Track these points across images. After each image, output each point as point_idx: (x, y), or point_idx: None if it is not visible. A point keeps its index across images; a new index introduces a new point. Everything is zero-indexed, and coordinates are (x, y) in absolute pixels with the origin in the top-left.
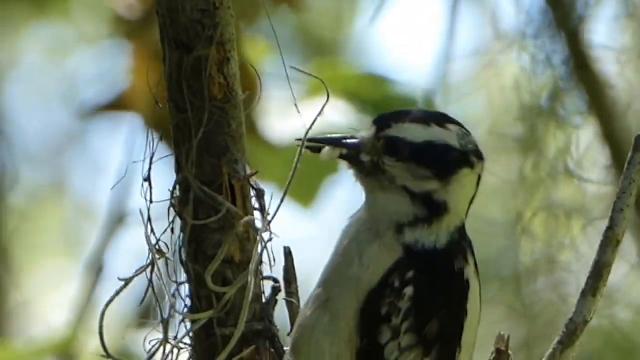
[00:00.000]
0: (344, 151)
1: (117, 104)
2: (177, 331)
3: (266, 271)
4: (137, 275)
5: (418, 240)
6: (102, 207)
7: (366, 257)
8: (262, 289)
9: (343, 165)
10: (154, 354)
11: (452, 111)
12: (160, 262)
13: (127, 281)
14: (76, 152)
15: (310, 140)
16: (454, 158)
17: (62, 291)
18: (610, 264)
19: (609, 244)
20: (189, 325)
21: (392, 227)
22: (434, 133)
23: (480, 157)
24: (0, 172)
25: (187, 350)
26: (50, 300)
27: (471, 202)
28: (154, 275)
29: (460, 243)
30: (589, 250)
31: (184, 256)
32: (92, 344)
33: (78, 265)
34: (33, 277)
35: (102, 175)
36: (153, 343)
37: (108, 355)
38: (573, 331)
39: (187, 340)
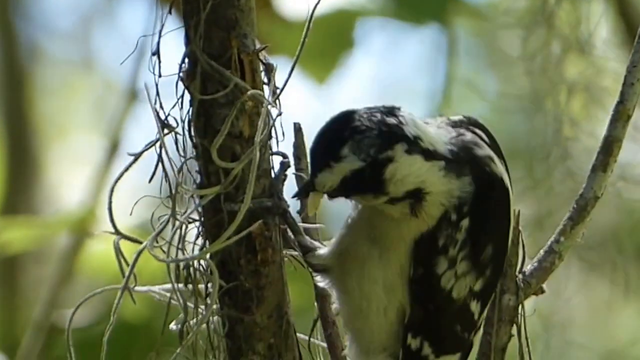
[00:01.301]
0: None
1: None
2: (186, 207)
3: (275, 147)
4: (145, 150)
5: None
6: (126, 85)
7: None
8: (271, 165)
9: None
10: (161, 230)
11: None
12: (170, 138)
13: (136, 156)
14: (104, 27)
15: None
16: (369, 174)
17: (87, 167)
18: (620, 138)
19: (619, 118)
20: (197, 201)
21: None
22: (340, 170)
23: (392, 140)
24: (27, 48)
25: (196, 226)
26: (75, 177)
27: (425, 151)
28: (163, 150)
29: (470, 151)
30: (600, 127)
31: (192, 131)
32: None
33: (101, 141)
34: (61, 153)
35: (127, 53)
36: (162, 219)
37: (117, 231)
38: (583, 207)
39: (195, 216)
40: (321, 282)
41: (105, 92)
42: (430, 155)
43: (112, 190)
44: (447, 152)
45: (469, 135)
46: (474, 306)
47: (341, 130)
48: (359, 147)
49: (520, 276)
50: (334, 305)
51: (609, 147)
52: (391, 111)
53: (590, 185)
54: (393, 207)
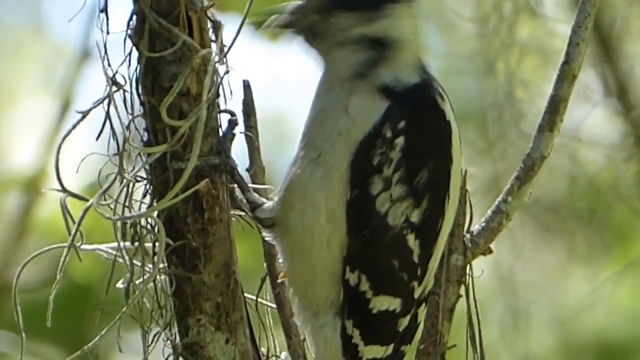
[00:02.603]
0: (292, 17)
1: None
2: (134, 165)
3: (224, 105)
4: (94, 107)
5: (391, 76)
6: (76, 46)
7: (352, 109)
8: (218, 123)
9: (291, 34)
10: (108, 187)
11: None
12: (119, 96)
13: (84, 114)
14: None
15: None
16: None
17: (37, 128)
18: (566, 98)
19: (565, 78)
20: (145, 159)
21: (357, 77)
22: None
23: None
24: None
25: (143, 185)
26: (25, 138)
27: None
28: (111, 108)
29: (432, 81)
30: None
31: (140, 89)
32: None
33: (52, 103)
34: (11, 116)
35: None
36: (110, 177)
37: (63, 189)
38: (530, 167)
39: (143, 174)
40: (268, 237)
41: (55, 55)
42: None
43: (59, 148)
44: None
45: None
46: (412, 242)
47: None
48: None
49: (468, 236)
50: (280, 266)
51: (556, 106)
52: None
53: (537, 145)
54: (356, 54)
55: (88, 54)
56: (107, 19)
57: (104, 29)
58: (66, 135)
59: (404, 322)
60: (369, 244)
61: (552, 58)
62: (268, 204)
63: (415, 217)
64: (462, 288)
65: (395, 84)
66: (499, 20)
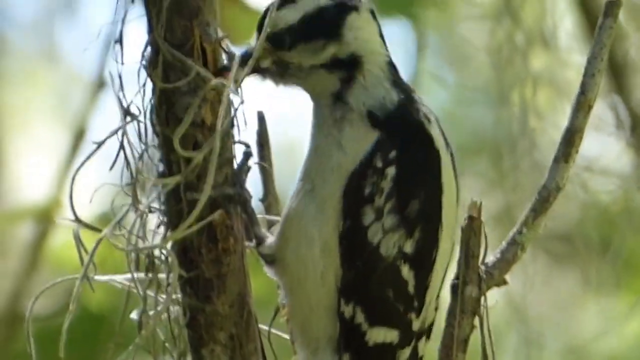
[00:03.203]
0: (246, 69)
1: None
2: (148, 196)
3: (238, 136)
4: (108, 138)
5: (372, 99)
6: (91, 75)
7: (344, 141)
8: (233, 154)
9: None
10: (121, 218)
11: None
12: (133, 126)
13: (99, 144)
14: (67, 19)
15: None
16: (332, 14)
17: (49, 159)
18: (581, 129)
19: (580, 109)
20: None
21: (337, 101)
22: (303, 5)
23: None
24: None
25: (158, 215)
26: (38, 168)
27: (381, 36)
28: (125, 138)
29: (412, 96)
30: (566, 120)
31: (154, 120)
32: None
33: (66, 133)
34: (23, 144)
35: (89, 43)
36: (124, 208)
37: (77, 219)
38: (546, 198)
39: (157, 204)
40: (270, 273)
41: (68, 83)
42: (383, 42)
43: (73, 178)
44: (395, 73)
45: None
46: (406, 273)
47: None
48: None
49: (483, 267)
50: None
51: (571, 137)
52: None
53: (552, 176)
54: (329, 77)
55: (103, 83)
56: (122, 49)
57: (119, 59)
58: (80, 166)
59: (403, 355)
60: (363, 275)
61: (565, 89)
62: (270, 239)
63: (408, 248)
64: (477, 319)
65: (380, 109)
66: (512, 51)
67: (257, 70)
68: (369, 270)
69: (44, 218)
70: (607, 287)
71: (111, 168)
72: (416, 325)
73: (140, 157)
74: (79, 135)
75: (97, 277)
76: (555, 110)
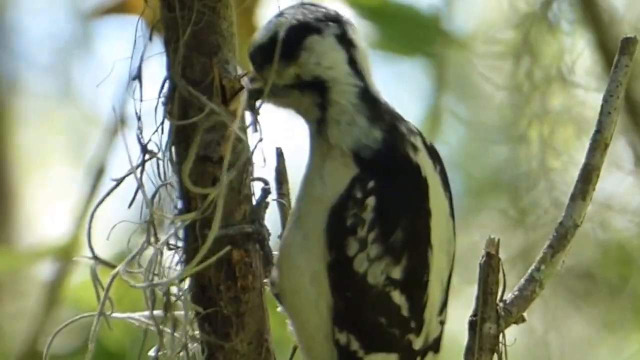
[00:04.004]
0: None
1: (120, 7)
2: (168, 233)
3: (257, 173)
4: (127, 176)
5: (353, 137)
6: (106, 113)
7: (325, 175)
8: (251, 190)
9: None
10: (135, 255)
11: (453, 20)
12: (153, 163)
13: (118, 182)
14: (82, 60)
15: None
16: (290, 35)
17: (66, 198)
18: (598, 167)
19: (597, 147)
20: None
21: (316, 129)
22: (270, 26)
23: (330, 20)
24: (4, 80)
25: (177, 252)
26: (54, 208)
27: (354, 65)
28: (142, 176)
29: (397, 127)
30: (582, 156)
31: (172, 156)
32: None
33: (82, 173)
34: (39, 185)
35: (103, 81)
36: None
37: (94, 257)
38: (563, 235)
39: (175, 241)
40: (280, 310)
41: (84, 122)
42: (356, 72)
43: (92, 216)
44: (372, 106)
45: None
46: (398, 298)
47: (305, 3)
48: (301, 13)
49: (501, 304)
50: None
51: (588, 175)
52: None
53: (569, 214)
54: (303, 99)
55: (122, 121)
56: (141, 86)
57: (137, 96)
58: (99, 203)
59: None
60: (354, 304)
61: (583, 126)
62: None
63: (396, 274)
64: (495, 356)
65: (365, 149)
66: (531, 89)
67: (252, 94)
68: (358, 299)
69: (63, 257)
70: (625, 326)
71: (130, 205)
72: (418, 343)
73: (155, 194)
74: (97, 174)
75: (114, 315)
76: (573, 148)
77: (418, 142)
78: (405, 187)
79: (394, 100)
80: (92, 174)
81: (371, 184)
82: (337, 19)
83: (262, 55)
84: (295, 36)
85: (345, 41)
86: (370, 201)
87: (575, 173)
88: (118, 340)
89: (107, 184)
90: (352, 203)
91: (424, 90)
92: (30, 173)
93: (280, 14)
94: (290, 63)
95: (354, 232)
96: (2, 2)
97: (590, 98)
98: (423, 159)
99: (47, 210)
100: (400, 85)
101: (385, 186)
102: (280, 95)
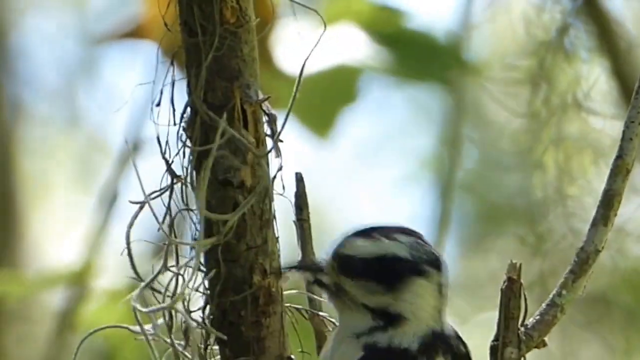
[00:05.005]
0: (310, 277)
1: (132, 32)
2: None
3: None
4: (155, 197)
5: (377, 341)
6: (116, 139)
7: (335, 357)
8: (273, 214)
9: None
10: (151, 280)
11: (469, 47)
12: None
13: (143, 203)
14: (90, 84)
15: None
16: (402, 268)
17: (76, 226)
18: (620, 192)
19: (619, 172)
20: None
21: (352, 336)
22: (383, 247)
23: (437, 266)
24: (12, 105)
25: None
26: (63, 236)
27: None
28: (166, 199)
29: (436, 344)
30: (600, 184)
31: (194, 181)
32: (104, 276)
33: (92, 199)
34: (46, 211)
35: (116, 107)
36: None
37: (138, 276)
38: (585, 260)
39: (195, 266)
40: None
41: (90, 150)
42: (438, 317)
43: (128, 235)
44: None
45: None
46: None
47: (406, 229)
48: (414, 247)
49: (522, 329)
50: None
51: (609, 200)
52: None
53: (591, 239)
54: (369, 321)
55: (136, 146)
56: (174, 110)
57: (159, 121)
58: (131, 223)
59: None
60: None
61: (599, 153)
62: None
63: None
64: None
65: (383, 344)
66: (547, 116)
67: (318, 282)
68: None
69: (76, 282)
70: (635, 353)
71: (159, 229)
72: None
73: (172, 220)
74: (111, 200)
75: (138, 329)
76: (589, 175)
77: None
78: None
79: (410, 125)
80: (104, 200)
81: None
82: (440, 265)
83: (358, 266)
84: (403, 272)
85: (441, 289)
86: None
87: (591, 200)
88: None
89: (120, 210)
90: None
91: (440, 116)
92: (37, 199)
93: (394, 238)
94: (387, 293)
95: None
96: (7, 26)
97: (606, 125)
98: None
99: (55, 236)
100: (416, 111)
101: None
102: (348, 306)
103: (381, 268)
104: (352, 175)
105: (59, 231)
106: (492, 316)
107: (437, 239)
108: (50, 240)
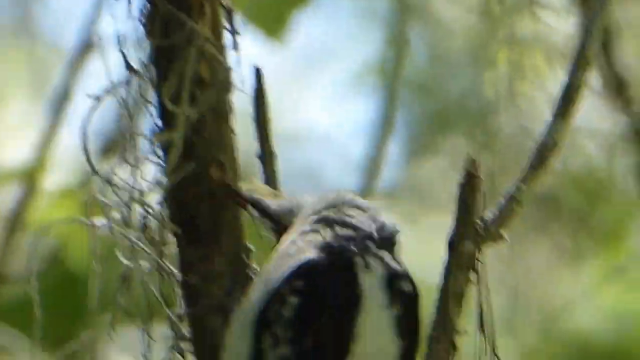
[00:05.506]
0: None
1: None
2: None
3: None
4: (112, 90)
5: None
6: (70, 40)
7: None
8: (231, 110)
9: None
10: (108, 174)
11: None
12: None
13: (99, 98)
14: None
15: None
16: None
17: (29, 128)
18: (580, 85)
19: (579, 66)
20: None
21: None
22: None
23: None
24: None
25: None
26: (16, 139)
27: None
28: (125, 94)
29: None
30: (553, 82)
31: (152, 76)
32: (56, 174)
33: (44, 103)
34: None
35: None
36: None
37: (94, 170)
38: (543, 154)
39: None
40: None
41: (43, 55)
42: None
43: (84, 129)
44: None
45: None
46: None
47: None
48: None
49: (480, 223)
50: None
51: (569, 94)
52: None
53: (550, 133)
54: None
55: (90, 46)
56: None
57: (118, 16)
58: (87, 119)
59: None
60: None
61: (552, 52)
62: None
63: None
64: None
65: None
66: (500, 13)
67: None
68: None
69: (28, 181)
70: (585, 255)
71: (115, 124)
72: None
73: (130, 115)
74: (63, 98)
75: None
76: (541, 73)
77: (378, 268)
78: (334, 298)
79: (359, 27)
80: (57, 100)
81: (300, 283)
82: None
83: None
84: None
85: None
86: (293, 300)
87: (544, 98)
88: (82, 262)
89: (73, 109)
90: (279, 297)
91: (389, 16)
92: None
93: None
94: None
95: (270, 326)
96: None
97: (560, 22)
98: (372, 284)
99: (8, 139)
100: (365, 13)
101: (313, 290)
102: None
103: None
104: (301, 79)
105: (12, 135)
106: (443, 217)
107: (381, 141)
108: (3, 143)
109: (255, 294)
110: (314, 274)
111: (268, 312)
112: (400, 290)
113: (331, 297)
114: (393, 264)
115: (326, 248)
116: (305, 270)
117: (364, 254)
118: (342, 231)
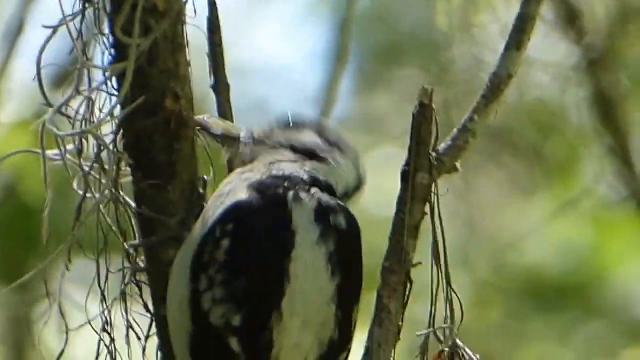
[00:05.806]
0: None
1: None
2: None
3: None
4: (67, 22)
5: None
6: None
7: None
8: (185, 39)
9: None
10: (64, 104)
11: None
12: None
13: (55, 27)
14: None
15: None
16: None
17: None
18: (534, 17)
19: None
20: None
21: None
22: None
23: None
24: None
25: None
26: None
27: None
28: (83, 24)
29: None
30: (506, 13)
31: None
32: (9, 106)
33: None
34: None
35: None
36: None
37: (48, 102)
38: (497, 85)
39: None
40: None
41: None
42: None
43: (39, 60)
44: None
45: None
46: (235, 345)
47: None
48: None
49: (434, 154)
50: None
51: (523, 24)
52: None
53: (504, 64)
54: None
55: None
56: None
57: None
58: (42, 49)
59: None
60: (198, 338)
61: None
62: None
63: (237, 322)
64: (427, 206)
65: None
66: None
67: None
68: (202, 336)
69: None
70: (537, 189)
71: (70, 53)
72: None
73: (84, 42)
74: (17, 29)
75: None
76: (495, 6)
77: (311, 202)
78: (264, 238)
79: None
80: (10, 31)
81: (230, 226)
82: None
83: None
84: None
85: None
86: (225, 243)
87: (497, 29)
88: (37, 194)
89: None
90: (212, 239)
91: None
92: None
93: None
94: None
95: (205, 269)
96: None
97: None
98: (305, 218)
99: None
100: None
101: (242, 231)
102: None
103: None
104: (255, 10)
105: None
106: (396, 149)
107: (335, 74)
108: None
109: (195, 234)
110: (244, 216)
111: (203, 254)
112: (335, 224)
113: (262, 238)
114: (325, 198)
115: (258, 187)
116: (234, 213)
117: (297, 190)
118: (276, 170)
